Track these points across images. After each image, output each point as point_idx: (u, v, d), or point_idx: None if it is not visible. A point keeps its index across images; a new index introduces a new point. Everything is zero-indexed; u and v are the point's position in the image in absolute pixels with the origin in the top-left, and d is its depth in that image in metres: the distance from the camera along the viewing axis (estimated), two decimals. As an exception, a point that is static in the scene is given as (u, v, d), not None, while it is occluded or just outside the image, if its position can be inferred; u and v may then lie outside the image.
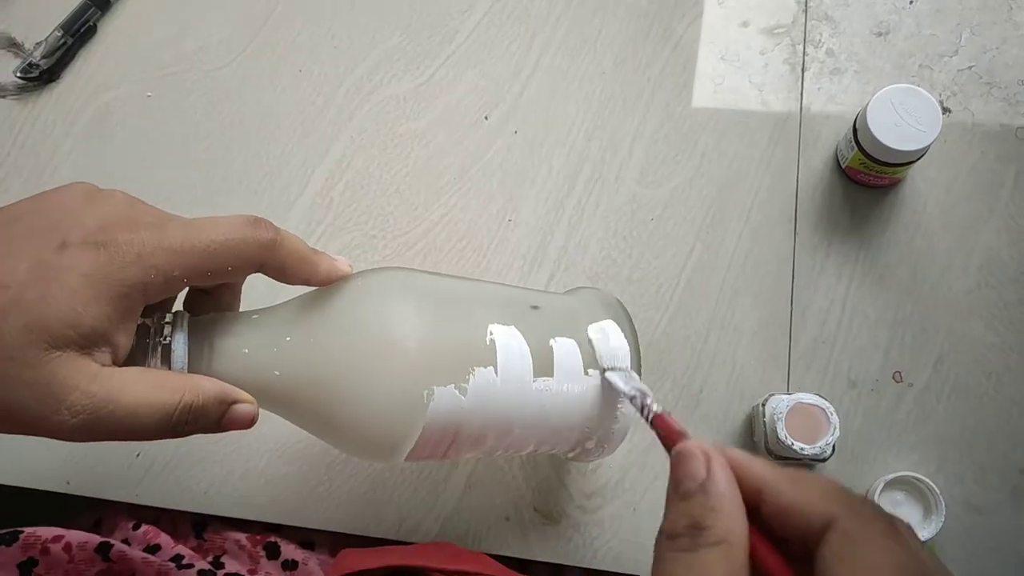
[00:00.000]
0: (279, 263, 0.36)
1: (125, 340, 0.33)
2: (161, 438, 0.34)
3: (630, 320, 0.45)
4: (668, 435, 0.32)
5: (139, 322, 0.34)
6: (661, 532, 0.28)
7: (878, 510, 0.27)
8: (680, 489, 0.28)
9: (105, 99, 0.63)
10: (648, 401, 0.35)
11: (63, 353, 0.31)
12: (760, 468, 0.28)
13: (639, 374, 0.43)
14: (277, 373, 0.36)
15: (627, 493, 0.54)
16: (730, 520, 0.27)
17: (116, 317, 0.32)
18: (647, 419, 0.34)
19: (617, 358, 0.41)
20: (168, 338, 0.35)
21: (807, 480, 0.28)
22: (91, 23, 0.64)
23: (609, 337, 0.42)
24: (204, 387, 0.35)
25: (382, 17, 0.64)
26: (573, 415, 0.41)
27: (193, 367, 0.35)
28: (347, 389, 0.37)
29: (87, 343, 0.32)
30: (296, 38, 0.64)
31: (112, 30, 0.65)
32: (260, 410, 0.37)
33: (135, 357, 0.34)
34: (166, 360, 0.35)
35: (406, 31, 0.63)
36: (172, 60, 0.64)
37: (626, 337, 0.43)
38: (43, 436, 0.32)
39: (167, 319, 0.36)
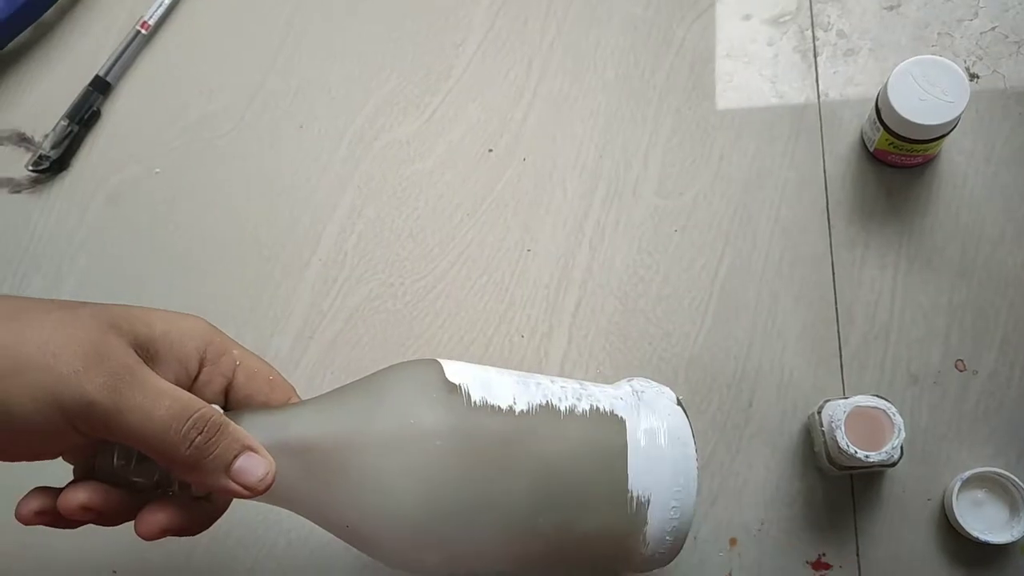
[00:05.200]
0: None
1: None
2: (167, 448, 0.31)
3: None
4: None
5: None
6: None
7: None
8: None
9: (114, 181, 0.63)
10: None
11: None
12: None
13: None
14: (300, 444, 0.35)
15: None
16: None
17: None
18: None
19: None
20: None
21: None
22: (95, 108, 0.64)
23: None
24: (228, 419, 0.33)
25: (376, 63, 0.63)
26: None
27: None
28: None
29: None
30: (293, 96, 0.63)
31: (115, 112, 0.65)
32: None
33: None
34: None
35: (402, 73, 0.62)
36: (176, 134, 0.63)
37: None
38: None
39: None
